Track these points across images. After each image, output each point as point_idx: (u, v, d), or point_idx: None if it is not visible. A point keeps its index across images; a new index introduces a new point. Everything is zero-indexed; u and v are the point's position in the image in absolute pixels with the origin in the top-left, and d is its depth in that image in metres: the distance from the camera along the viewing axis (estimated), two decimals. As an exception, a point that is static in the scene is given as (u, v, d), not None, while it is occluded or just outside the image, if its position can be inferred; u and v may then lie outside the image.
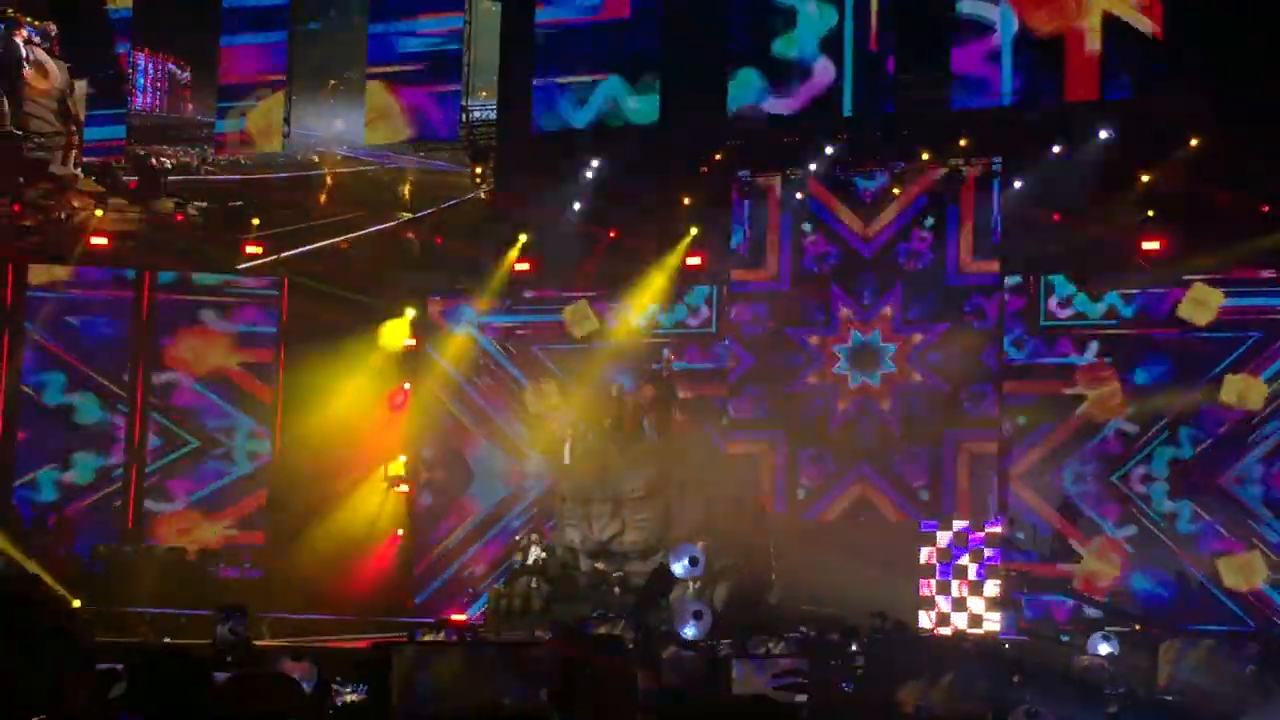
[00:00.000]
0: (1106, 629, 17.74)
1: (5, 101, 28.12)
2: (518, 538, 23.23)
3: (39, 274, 27.60)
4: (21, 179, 28.33)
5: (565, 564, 21.82)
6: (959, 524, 23.74)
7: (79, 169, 28.74)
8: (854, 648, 16.52)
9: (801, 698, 9.82)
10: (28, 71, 28.56)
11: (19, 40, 28.53)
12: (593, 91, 25.24)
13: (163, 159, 29.16)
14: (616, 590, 21.02)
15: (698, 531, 21.08)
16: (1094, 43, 22.83)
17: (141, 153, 28.98)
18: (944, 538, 23.54)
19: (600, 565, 21.52)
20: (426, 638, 18.81)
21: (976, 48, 23.63)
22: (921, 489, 25.42)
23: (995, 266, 25.42)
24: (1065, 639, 20.35)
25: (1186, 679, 13.67)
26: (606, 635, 14.50)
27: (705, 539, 20.84)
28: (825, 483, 25.86)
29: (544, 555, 22.12)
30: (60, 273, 27.68)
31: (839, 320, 26.08)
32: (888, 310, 25.86)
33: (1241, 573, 23.64)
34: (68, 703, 5.37)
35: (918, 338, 25.70)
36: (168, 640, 19.81)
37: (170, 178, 28.87)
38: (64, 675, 5.42)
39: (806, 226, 26.31)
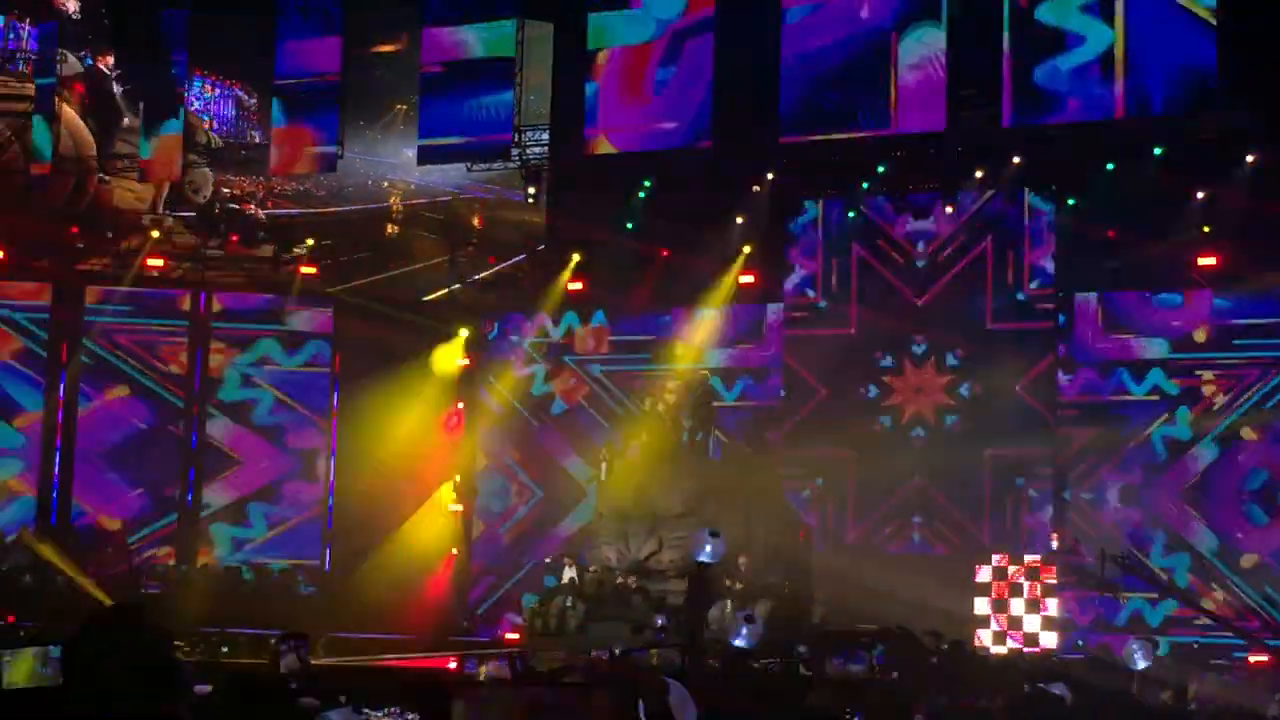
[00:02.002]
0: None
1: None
2: (548, 559, 23.13)
3: (95, 294, 27.90)
4: (110, 234, 28.35)
5: (601, 583, 21.67)
6: (1015, 549, 23.58)
7: (166, 211, 28.66)
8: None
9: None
10: (117, 104, 28.45)
11: (105, 70, 28.44)
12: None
13: (254, 206, 29.21)
14: (653, 611, 20.75)
15: (737, 548, 20.90)
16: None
17: (234, 203, 28.99)
18: (999, 557, 23.36)
19: (637, 583, 21.36)
20: (482, 668, 18.73)
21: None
22: (975, 518, 25.13)
23: (1052, 290, 25.14)
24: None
25: (1213, 701, 13.61)
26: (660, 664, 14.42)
27: (745, 555, 20.64)
28: (878, 510, 25.60)
29: (588, 571, 22.00)
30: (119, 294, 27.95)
31: (894, 346, 25.85)
32: (942, 337, 25.59)
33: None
34: None
35: (970, 364, 25.40)
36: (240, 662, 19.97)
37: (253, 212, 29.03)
38: (175, 699, 5.51)
39: (859, 253, 26.11)
